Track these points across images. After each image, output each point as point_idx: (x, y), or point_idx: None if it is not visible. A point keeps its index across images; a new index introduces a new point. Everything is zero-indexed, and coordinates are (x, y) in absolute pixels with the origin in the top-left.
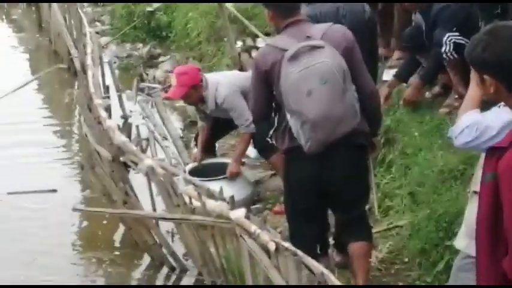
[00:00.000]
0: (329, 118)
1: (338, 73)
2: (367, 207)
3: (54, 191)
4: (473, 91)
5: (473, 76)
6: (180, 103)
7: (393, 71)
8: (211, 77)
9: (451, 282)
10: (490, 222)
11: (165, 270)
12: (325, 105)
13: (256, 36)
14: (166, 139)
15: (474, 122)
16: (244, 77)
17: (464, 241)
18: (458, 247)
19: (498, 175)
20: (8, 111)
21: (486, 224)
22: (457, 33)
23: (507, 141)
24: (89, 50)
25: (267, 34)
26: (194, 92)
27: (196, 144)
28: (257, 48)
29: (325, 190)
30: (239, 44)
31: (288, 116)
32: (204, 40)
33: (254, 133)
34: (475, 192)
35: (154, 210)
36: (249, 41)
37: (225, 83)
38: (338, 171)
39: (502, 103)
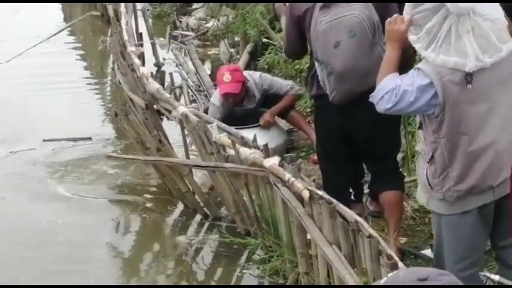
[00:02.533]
0: (354, 71)
1: (368, 27)
2: (400, 156)
3: (89, 138)
4: (391, 53)
5: (390, 38)
6: (213, 51)
7: None
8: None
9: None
10: None
11: (198, 217)
12: (351, 58)
13: None
14: (199, 87)
15: (393, 87)
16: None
17: (424, 198)
18: (421, 203)
19: None
20: (43, 59)
21: None
22: None
23: None
24: None
25: None
26: (243, 88)
27: None
28: None
29: (352, 139)
30: None
31: (316, 64)
32: None
33: (300, 95)
34: (418, 151)
35: (188, 158)
36: None
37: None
38: (363, 123)
39: (419, 65)
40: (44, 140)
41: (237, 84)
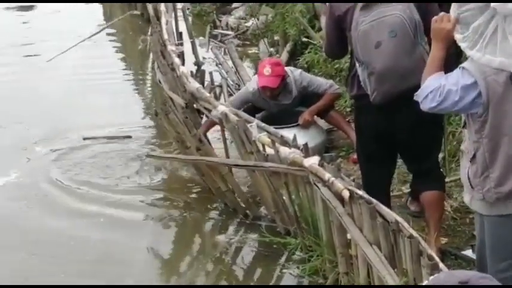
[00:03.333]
0: (395, 71)
1: (409, 26)
2: (440, 156)
3: (129, 137)
4: (436, 52)
5: (436, 36)
6: (253, 50)
7: None
8: None
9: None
10: None
11: (238, 216)
12: (392, 59)
13: None
14: (239, 86)
15: (437, 87)
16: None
17: (467, 197)
18: (466, 202)
19: None
20: (84, 57)
21: None
22: None
23: None
24: None
25: None
26: (282, 83)
27: None
28: None
29: (393, 139)
30: None
31: (357, 64)
32: None
33: (340, 94)
34: (462, 149)
35: (228, 157)
36: None
37: (291, 67)
38: (404, 124)
39: (464, 64)
40: (84, 138)
41: (276, 79)
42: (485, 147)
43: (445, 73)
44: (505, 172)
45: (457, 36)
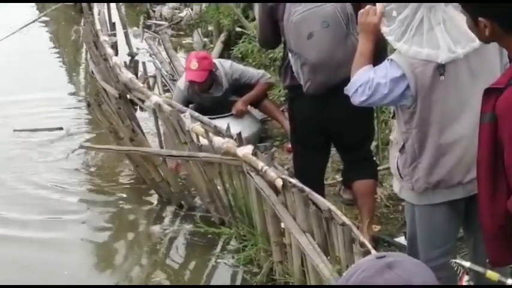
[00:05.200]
0: (329, 62)
1: (341, 17)
2: (373, 144)
3: (61, 129)
4: (365, 46)
5: (363, 30)
6: (187, 40)
7: None
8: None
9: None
10: (489, 162)
11: (172, 207)
12: (325, 49)
13: None
14: (173, 76)
15: (366, 81)
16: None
17: (396, 186)
18: (395, 191)
19: (497, 115)
20: (16, 49)
21: (486, 164)
22: None
23: (503, 82)
24: None
25: None
26: (209, 77)
27: None
28: None
29: (326, 129)
30: None
31: (289, 54)
32: None
33: (273, 84)
34: (391, 140)
35: (161, 147)
36: None
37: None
38: (338, 114)
39: (392, 56)
40: (14, 130)
41: (203, 73)
42: (414, 138)
43: (374, 66)
44: (433, 162)
45: (384, 29)
